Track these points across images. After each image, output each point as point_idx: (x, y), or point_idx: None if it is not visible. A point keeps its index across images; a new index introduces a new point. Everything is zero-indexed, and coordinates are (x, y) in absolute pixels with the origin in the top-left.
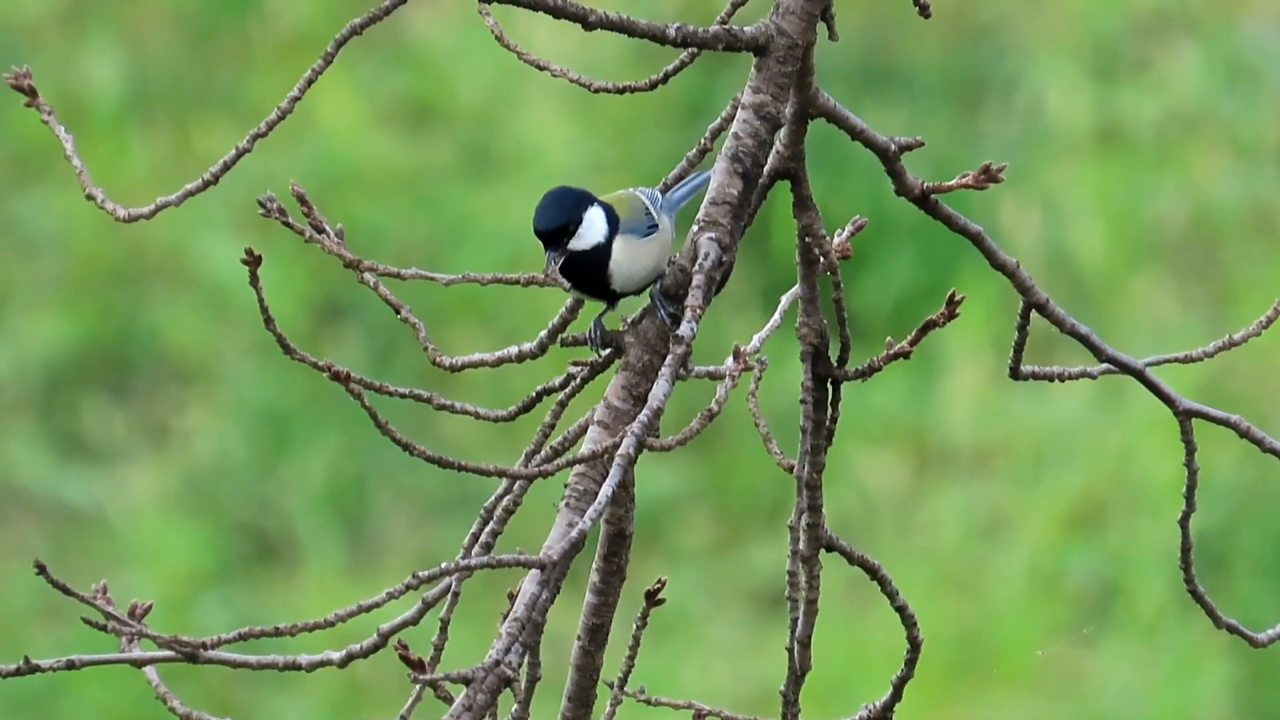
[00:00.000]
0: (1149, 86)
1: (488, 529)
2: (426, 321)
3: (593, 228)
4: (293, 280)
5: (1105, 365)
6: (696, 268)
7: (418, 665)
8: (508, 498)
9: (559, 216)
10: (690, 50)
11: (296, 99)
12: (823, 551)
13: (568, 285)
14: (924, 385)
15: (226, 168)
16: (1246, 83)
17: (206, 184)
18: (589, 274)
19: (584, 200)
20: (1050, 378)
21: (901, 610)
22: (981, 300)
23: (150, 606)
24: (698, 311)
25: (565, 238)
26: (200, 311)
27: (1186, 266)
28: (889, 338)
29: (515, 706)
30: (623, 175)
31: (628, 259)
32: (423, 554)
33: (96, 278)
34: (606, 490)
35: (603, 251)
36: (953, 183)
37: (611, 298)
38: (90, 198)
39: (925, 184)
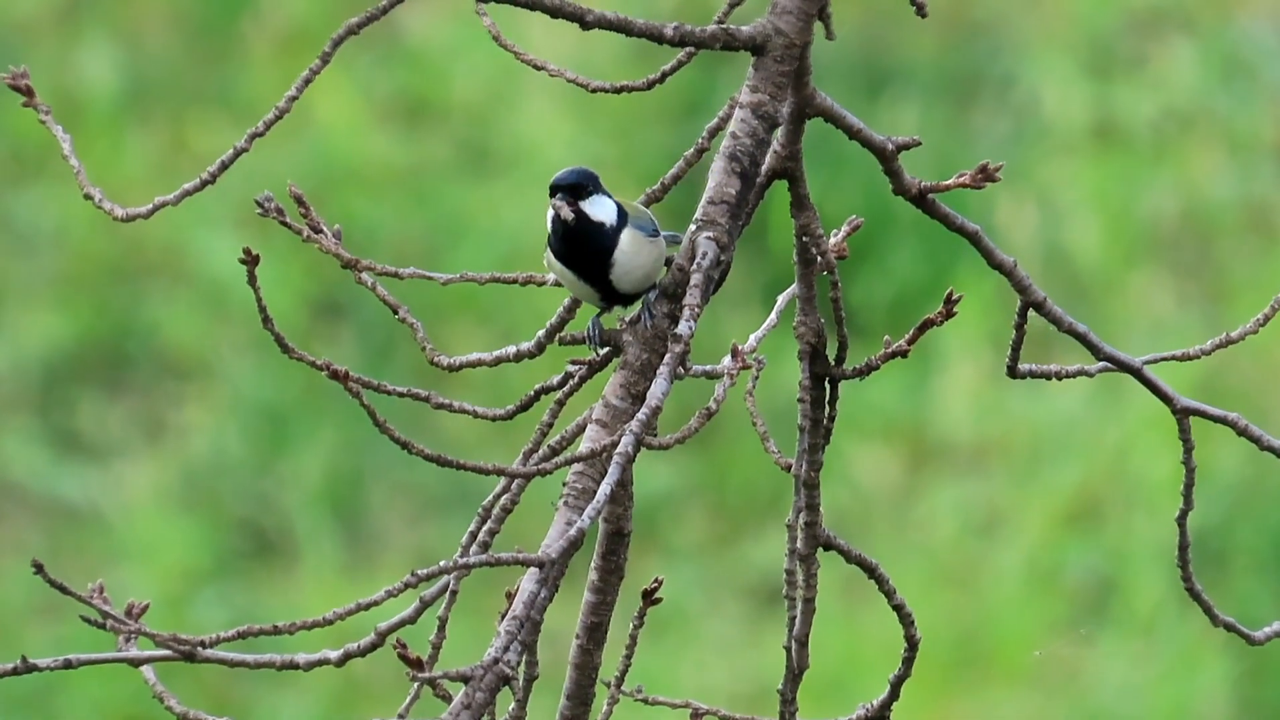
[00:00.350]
0: (1145, 84)
1: (485, 527)
2: (424, 319)
3: (605, 207)
4: (290, 278)
5: (1103, 363)
6: (694, 266)
7: (416, 664)
8: (506, 496)
9: (579, 176)
10: (688, 49)
11: (294, 98)
12: (820, 550)
13: (562, 270)
14: (920, 382)
15: (224, 167)
16: (1242, 80)
17: (204, 183)
18: (594, 256)
19: (601, 183)
20: (1048, 376)
21: (899, 609)
22: (979, 297)
23: (147, 606)
24: (696, 310)
25: (582, 194)
26: (197, 308)
27: (1183, 263)
28: (886, 336)
29: (513, 705)
30: (621, 173)
31: (632, 250)
32: (420, 551)
33: (93, 275)
34: (605, 489)
35: (611, 235)
36: (950, 182)
37: (606, 291)
38: (88, 197)
39: (922, 183)
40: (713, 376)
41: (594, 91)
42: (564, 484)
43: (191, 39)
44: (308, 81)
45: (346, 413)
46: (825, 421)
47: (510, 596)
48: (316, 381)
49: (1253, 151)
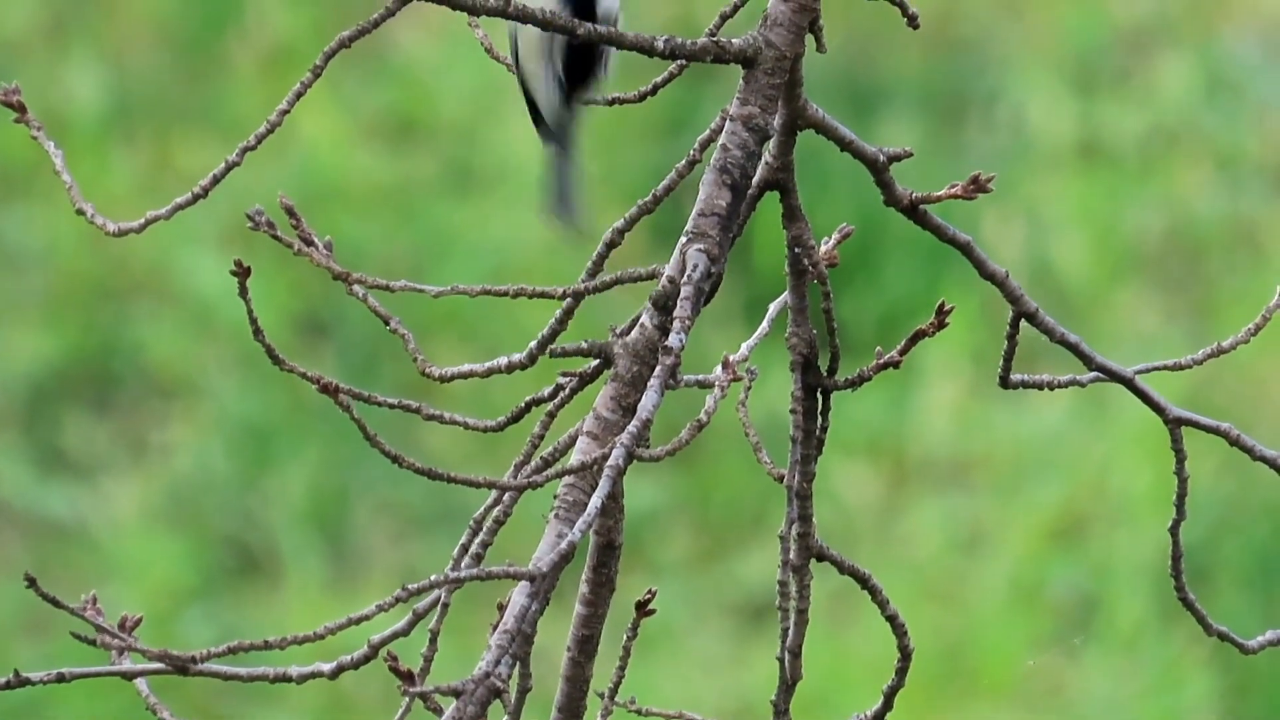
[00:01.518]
0: (1131, 100)
1: (477, 540)
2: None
3: None
4: (273, 296)
5: (1094, 374)
6: (685, 279)
7: (407, 677)
8: (497, 509)
9: None
10: (679, 62)
11: (285, 112)
12: (813, 561)
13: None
14: (903, 398)
15: (216, 181)
16: (1229, 96)
17: (196, 198)
18: None
19: None
20: (1040, 386)
21: (892, 619)
22: (964, 314)
23: (140, 619)
24: (686, 322)
25: None
26: (183, 326)
27: (1169, 280)
28: (879, 347)
29: (505, 718)
30: (606, 189)
31: None
32: (404, 569)
33: (79, 293)
34: (596, 501)
35: None
36: (942, 193)
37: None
38: (80, 212)
39: (914, 194)
40: (704, 387)
41: (585, 104)
42: (555, 497)
43: (177, 57)
44: (299, 95)
45: (331, 431)
46: (818, 432)
47: (502, 609)
48: (301, 399)
49: (1239, 168)
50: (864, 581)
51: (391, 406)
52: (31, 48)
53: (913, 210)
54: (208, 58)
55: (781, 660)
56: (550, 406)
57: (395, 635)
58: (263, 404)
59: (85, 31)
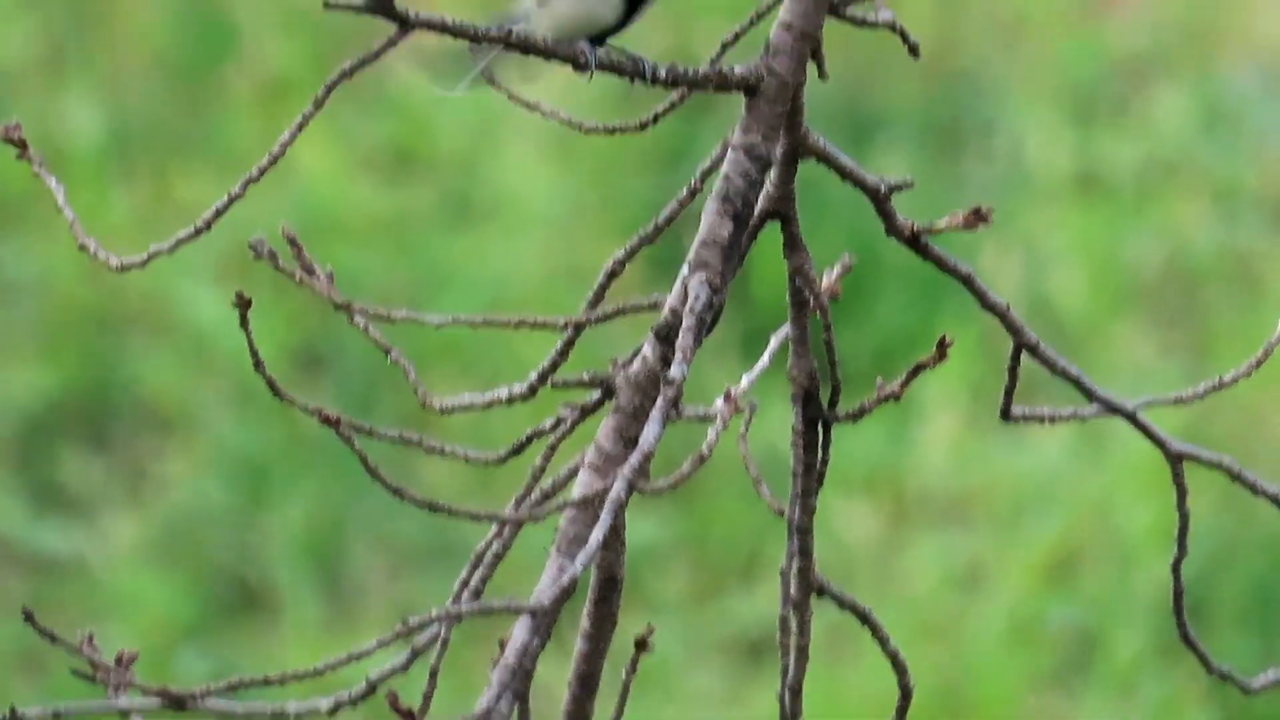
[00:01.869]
0: (1128, 131)
1: (477, 575)
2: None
3: None
4: (271, 330)
5: (1096, 407)
6: (687, 309)
7: (407, 715)
8: (497, 543)
9: None
10: (680, 91)
11: (288, 143)
12: (813, 597)
13: None
14: (900, 433)
15: (219, 213)
16: (1226, 127)
17: (199, 231)
18: None
19: None
20: (1041, 419)
21: (893, 657)
22: (961, 347)
23: (136, 655)
24: (688, 353)
25: None
26: (179, 359)
27: (1166, 312)
28: (879, 379)
29: None
30: (603, 220)
31: None
32: (400, 604)
33: (75, 326)
34: (597, 535)
35: None
36: (943, 224)
37: None
38: (83, 248)
39: (915, 225)
40: (706, 419)
41: (587, 133)
42: (556, 530)
43: (174, 88)
44: (301, 126)
45: (328, 465)
46: (819, 465)
47: (504, 645)
48: (298, 433)
49: (1237, 200)
50: (864, 618)
51: (392, 440)
52: (29, 79)
53: (914, 241)
54: (205, 89)
55: (782, 698)
56: (551, 439)
57: (394, 671)
58: (260, 438)
59: (82, 63)
